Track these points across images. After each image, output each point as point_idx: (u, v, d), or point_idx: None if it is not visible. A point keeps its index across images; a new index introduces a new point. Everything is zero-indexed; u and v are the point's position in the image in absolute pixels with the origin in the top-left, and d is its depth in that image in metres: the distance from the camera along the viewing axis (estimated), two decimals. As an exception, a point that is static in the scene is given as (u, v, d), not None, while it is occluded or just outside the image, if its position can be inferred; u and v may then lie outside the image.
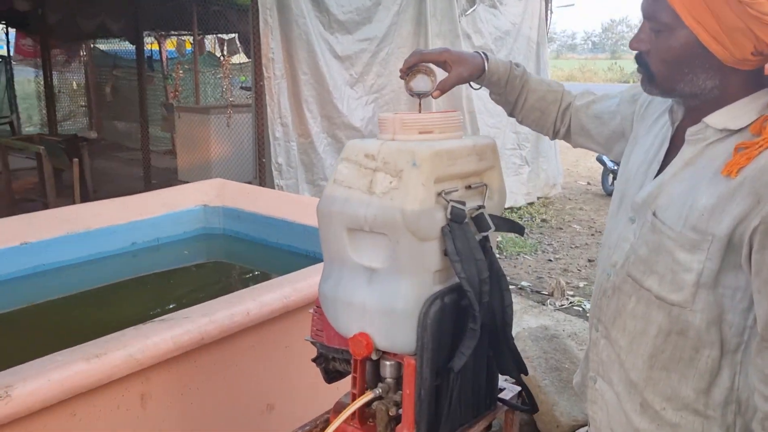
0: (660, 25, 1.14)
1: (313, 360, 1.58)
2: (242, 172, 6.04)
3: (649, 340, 1.22)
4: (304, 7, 5.22)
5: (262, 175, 5.29)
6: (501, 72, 1.52)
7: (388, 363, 1.38)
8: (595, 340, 1.33)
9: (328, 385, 2.70)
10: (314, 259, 3.42)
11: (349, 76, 5.65)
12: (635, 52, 1.22)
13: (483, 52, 1.52)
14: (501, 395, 1.56)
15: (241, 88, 8.01)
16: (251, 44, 5.24)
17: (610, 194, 6.56)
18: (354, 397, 1.42)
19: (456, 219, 1.31)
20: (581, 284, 5.21)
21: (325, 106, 5.47)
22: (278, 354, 2.49)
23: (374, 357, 1.36)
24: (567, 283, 5.03)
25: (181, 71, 6.88)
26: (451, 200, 1.31)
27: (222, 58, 8.79)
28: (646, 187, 1.25)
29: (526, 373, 1.46)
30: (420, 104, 1.49)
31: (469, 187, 1.40)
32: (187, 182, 5.68)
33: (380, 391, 1.37)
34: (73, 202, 5.82)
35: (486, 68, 1.49)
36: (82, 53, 11.73)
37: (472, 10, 6.67)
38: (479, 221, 1.36)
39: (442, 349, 1.33)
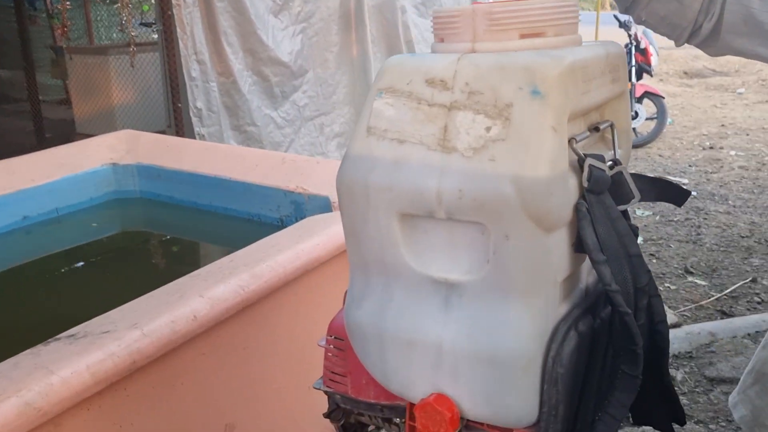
0: None
1: (326, 416, 1.00)
2: (153, 120, 5.25)
3: None
4: None
5: (178, 122, 4.52)
6: None
7: (477, 437, 0.82)
8: None
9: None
10: (260, 224, 2.79)
11: (273, 3, 4.87)
12: None
13: None
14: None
15: (141, 24, 7.03)
16: (153, -34, 4.39)
17: None
18: (411, 487, 0.86)
19: (596, 188, 0.74)
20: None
21: (247, 38, 4.69)
22: (235, 359, 1.88)
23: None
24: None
25: (68, 3, 5.86)
26: (587, 155, 0.74)
27: (117, -14, 7.68)
28: None
29: (683, 422, 0.93)
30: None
31: (595, 129, 0.82)
32: (89, 135, 4.85)
33: (466, 484, 0.81)
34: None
35: None
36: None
37: None
38: (617, 187, 0.80)
39: (575, 412, 0.78)
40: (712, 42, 1.02)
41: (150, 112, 5.33)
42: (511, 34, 0.75)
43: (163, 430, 1.67)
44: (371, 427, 1.03)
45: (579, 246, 0.75)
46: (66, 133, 6.60)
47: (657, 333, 0.84)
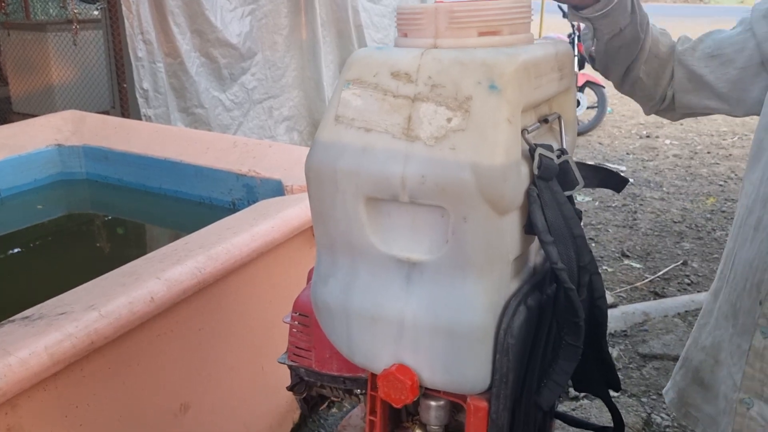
0: None
1: (290, 389, 1.05)
2: (96, 100, 5.13)
3: None
4: None
5: (123, 103, 4.44)
6: None
7: (433, 404, 0.89)
8: (760, 350, 0.91)
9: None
10: (211, 207, 2.80)
11: (221, -17, 4.81)
12: None
13: None
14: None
15: (83, 0, 6.80)
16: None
17: None
18: (372, 451, 0.92)
19: (545, 174, 0.81)
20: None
21: (195, 19, 4.62)
22: (190, 340, 1.91)
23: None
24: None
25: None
26: (537, 145, 0.81)
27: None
28: None
29: (618, 389, 1.02)
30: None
31: (545, 121, 0.89)
32: (28, 115, 4.71)
33: (426, 448, 0.88)
34: None
35: None
36: None
37: None
38: (564, 174, 0.87)
39: (523, 380, 0.85)
40: (671, 109, 1.11)
41: (92, 92, 5.19)
42: (470, 32, 0.80)
43: (119, 410, 1.69)
44: (332, 399, 1.08)
45: (529, 228, 0.82)
46: (2, 112, 6.36)
47: (597, 308, 0.93)
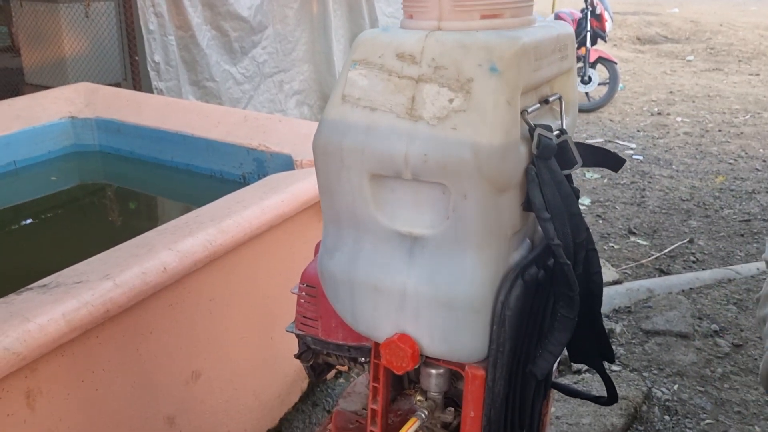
0: None
1: (297, 356, 1.10)
2: (107, 72, 5.14)
3: None
4: None
5: (135, 76, 4.46)
6: None
7: (434, 371, 0.93)
8: None
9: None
10: (222, 181, 2.84)
11: (232, -44, 4.79)
12: None
13: None
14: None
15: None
16: None
17: None
18: (375, 415, 0.97)
19: (544, 154, 0.84)
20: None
21: (205, -9, 4.63)
22: (201, 310, 1.96)
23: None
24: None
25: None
26: (537, 125, 0.84)
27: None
28: None
29: (612, 361, 1.06)
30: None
31: (545, 102, 0.92)
32: (40, 86, 4.74)
33: (424, 414, 0.93)
34: None
35: None
36: None
37: None
38: (563, 154, 0.90)
39: (520, 350, 0.89)
40: None
41: (104, 65, 5.21)
42: (473, 15, 0.83)
43: (132, 377, 1.75)
44: (339, 370, 1.13)
45: (527, 205, 0.85)
46: (14, 82, 6.39)
47: (592, 282, 0.96)
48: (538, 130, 0.83)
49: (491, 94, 0.77)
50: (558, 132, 0.90)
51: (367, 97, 0.82)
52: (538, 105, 0.89)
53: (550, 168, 0.86)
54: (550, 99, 0.92)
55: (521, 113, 0.82)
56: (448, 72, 0.79)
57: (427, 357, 0.91)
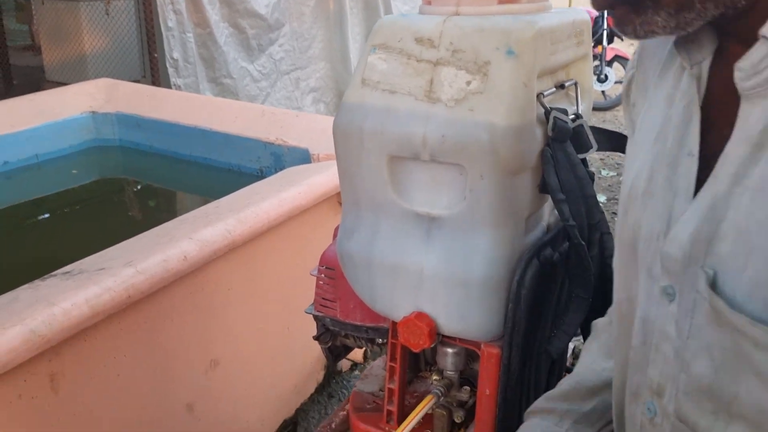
0: None
1: (316, 338, 1.12)
2: (127, 69, 5.20)
3: None
4: None
5: (154, 72, 4.52)
6: None
7: (450, 350, 0.95)
8: None
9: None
10: (240, 174, 2.87)
11: (250, -46, 4.84)
12: None
13: None
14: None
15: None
16: None
17: None
18: (392, 395, 0.99)
19: (559, 136, 0.86)
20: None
21: (223, -11, 4.68)
22: (220, 299, 1.99)
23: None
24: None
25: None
26: (552, 108, 0.85)
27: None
28: (680, 218, 0.56)
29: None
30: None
31: (561, 86, 0.94)
32: (60, 83, 4.82)
33: (440, 392, 0.95)
34: None
35: None
36: None
37: None
38: (578, 138, 0.92)
39: (534, 329, 0.91)
40: None
41: (124, 61, 5.27)
42: (490, 0, 0.85)
43: (153, 363, 1.78)
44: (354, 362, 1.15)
45: (543, 187, 0.87)
46: (35, 80, 6.47)
47: (606, 266, 0.98)
48: (554, 113, 0.85)
49: (508, 76, 0.79)
50: (573, 116, 0.92)
51: (387, 81, 0.85)
52: (554, 89, 0.91)
53: (566, 151, 0.87)
54: (566, 84, 0.94)
55: (537, 96, 0.84)
56: (465, 55, 0.81)
57: (443, 336, 0.93)
